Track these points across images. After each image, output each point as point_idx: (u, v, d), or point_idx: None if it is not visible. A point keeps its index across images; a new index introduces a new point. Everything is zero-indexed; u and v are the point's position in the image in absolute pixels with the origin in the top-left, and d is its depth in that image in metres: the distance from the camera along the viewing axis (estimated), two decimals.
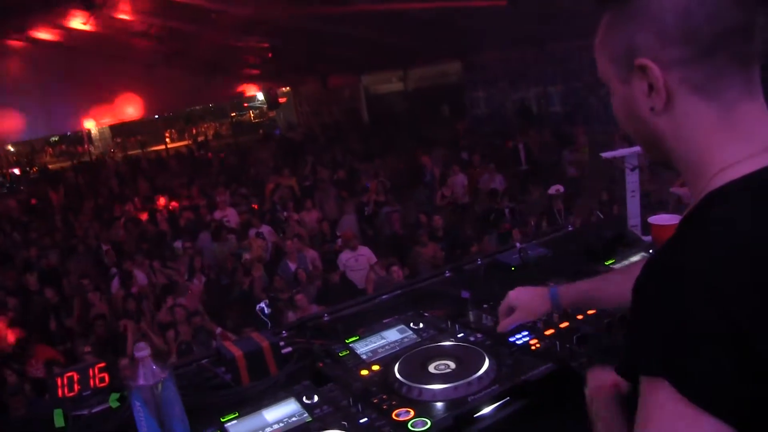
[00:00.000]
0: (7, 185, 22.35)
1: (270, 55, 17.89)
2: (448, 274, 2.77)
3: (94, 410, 1.90)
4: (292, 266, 9.29)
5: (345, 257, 9.55)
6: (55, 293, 9.51)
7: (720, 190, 0.94)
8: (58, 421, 1.91)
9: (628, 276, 1.48)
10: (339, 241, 10.22)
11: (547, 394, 1.55)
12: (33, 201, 16.83)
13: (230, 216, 11.93)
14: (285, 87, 24.41)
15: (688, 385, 0.83)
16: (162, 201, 14.53)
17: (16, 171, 24.75)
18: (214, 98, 25.07)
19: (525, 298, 1.72)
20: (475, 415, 1.47)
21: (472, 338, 1.78)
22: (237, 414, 1.54)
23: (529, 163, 12.57)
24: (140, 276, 9.36)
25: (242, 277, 9.21)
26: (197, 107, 27.45)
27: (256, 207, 12.82)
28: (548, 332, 1.76)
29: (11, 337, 8.39)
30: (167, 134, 27.64)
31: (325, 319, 2.46)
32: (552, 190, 9.35)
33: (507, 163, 12.54)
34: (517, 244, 2.67)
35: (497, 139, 14.18)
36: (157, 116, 25.36)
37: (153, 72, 19.20)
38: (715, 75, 0.94)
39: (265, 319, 3.26)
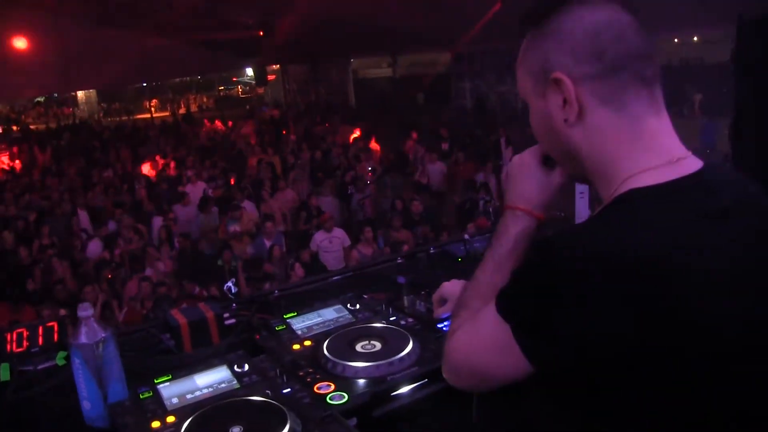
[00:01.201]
0: None
1: (261, 33, 17.84)
2: (400, 260, 2.87)
3: (40, 366, 1.98)
4: (267, 243, 9.36)
5: (319, 238, 9.63)
6: (28, 254, 9.52)
7: (624, 196, 1.04)
8: (4, 375, 1.98)
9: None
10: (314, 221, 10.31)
11: None
12: (13, 160, 16.71)
13: (197, 190, 11.83)
14: (275, 65, 24.38)
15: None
16: (141, 169, 14.51)
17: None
18: (202, 70, 24.95)
19: (456, 290, 1.82)
20: (392, 393, 1.57)
21: (403, 322, 1.88)
22: (170, 377, 1.63)
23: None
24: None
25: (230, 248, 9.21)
26: (185, 78, 27.32)
27: (232, 182, 12.83)
28: None
29: None
30: (153, 103, 27.46)
31: (275, 294, 2.56)
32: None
33: (487, 155, 12.66)
34: (465, 236, 2.77)
35: (479, 131, 14.31)
36: (144, 84, 25.21)
37: (142, 39, 19.07)
38: (621, 90, 1.05)
39: (232, 298, 3.34)
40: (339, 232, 9.60)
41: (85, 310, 1.65)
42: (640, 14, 1.08)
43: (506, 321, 1.04)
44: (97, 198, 11.89)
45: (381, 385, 1.57)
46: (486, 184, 10.87)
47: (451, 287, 1.86)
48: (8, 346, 2.04)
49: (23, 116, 28.54)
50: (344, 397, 1.51)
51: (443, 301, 1.83)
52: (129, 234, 9.83)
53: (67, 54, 17.29)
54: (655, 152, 1.06)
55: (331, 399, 1.50)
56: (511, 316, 1.04)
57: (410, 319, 1.90)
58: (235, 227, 9.92)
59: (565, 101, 1.07)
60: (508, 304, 1.05)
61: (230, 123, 20.97)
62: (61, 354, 2.02)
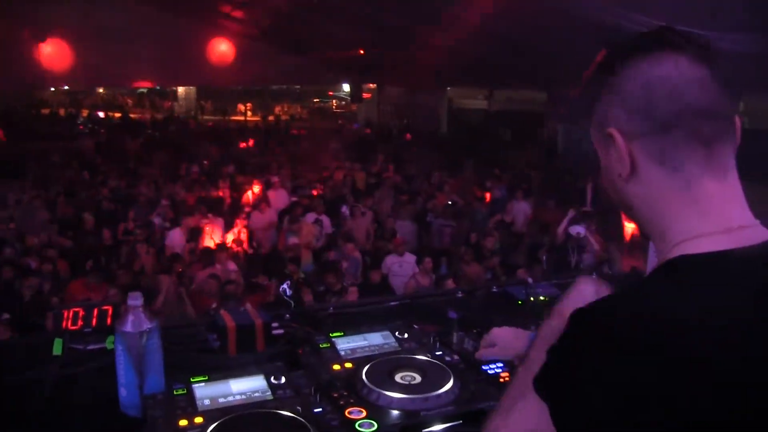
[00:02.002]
0: (90, 126, 23.26)
1: (361, 51, 18.13)
2: (460, 295, 2.82)
3: (89, 347, 2.02)
4: (344, 264, 9.40)
5: (390, 261, 9.62)
6: (110, 236, 9.89)
7: (672, 261, 0.98)
8: (57, 349, 2.04)
9: None
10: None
11: None
12: (108, 146, 17.51)
13: (279, 197, 12.05)
14: (372, 84, 24.71)
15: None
16: (228, 169, 14.91)
17: (101, 114, 25.70)
18: (300, 80, 25.52)
19: (505, 337, 1.77)
20: (423, 430, 1.52)
21: (448, 358, 1.83)
22: (206, 378, 1.63)
23: (594, 205, 12.38)
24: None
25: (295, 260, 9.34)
26: (283, 86, 27.97)
27: (315, 193, 13.00)
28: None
29: (61, 266, 8.77)
30: (248, 106, 28.23)
31: (329, 311, 2.55)
32: (573, 231, 9.29)
33: (571, 201, 12.38)
34: (529, 280, 2.69)
35: (567, 176, 14.04)
36: (242, 87, 25.95)
37: (247, 43, 19.70)
38: (673, 149, 0.99)
39: (288, 300, 3.36)
40: (410, 258, 9.56)
41: (135, 300, 1.67)
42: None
43: (544, 400, 0.98)
44: (180, 191, 12.26)
45: (413, 419, 1.52)
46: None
47: (502, 334, 1.81)
48: (64, 323, 2.10)
49: (125, 105, 29.89)
50: (373, 425, 1.47)
51: (491, 346, 1.81)
52: (211, 230, 10.09)
53: (170, 48, 18.06)
54: (710, 218, 0.99)
55: (360, 426, 1.47)
56: (549, 394, 0.97)
57: (456, 357, 1.85)
58: (294, 239, 10.03)
59: (619, 157, 1.03)
60: (544, 381, 0.98)
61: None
62: (111, 338, 2.05)
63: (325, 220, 10.90)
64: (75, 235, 10.13)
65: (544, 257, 9.36)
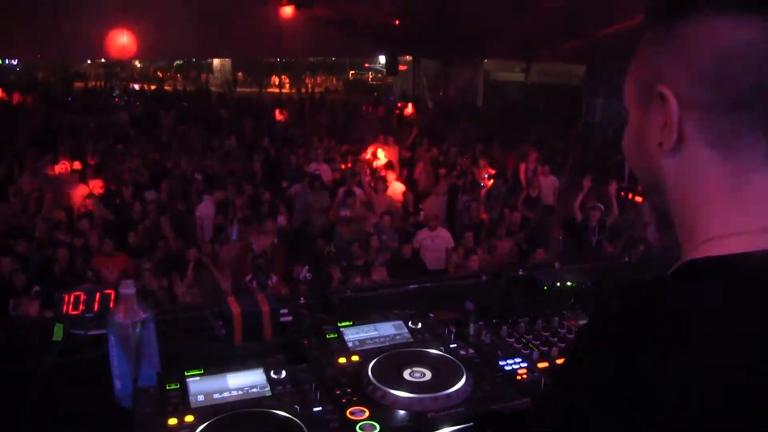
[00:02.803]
0: (125, 99, 23.42)
1: (396, 22, 17.85)
2: (484, 278, 2.69)
3: (90, 332, 1.95)
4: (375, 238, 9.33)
5: (422, 235, 9.54)
6: (141, 209, 9.93)
7: (698, 262, 0.83)
8: (57, 334, 1.97)
9: None
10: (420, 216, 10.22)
11: (513, 429, 1.46)
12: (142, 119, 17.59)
13: (323, 171, 12.10)
14: (407, 56, 24.38)
15: None
16: (263, 143, 14.87)
17: (136, 87, 25.84)
18: (335, 53, 25.31)
19: None
20: None
21: (462, 352, 1.70)
22: (202, 371, 1.53)
23: (630, 181, 12.06)
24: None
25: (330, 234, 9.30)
26: (319, 58, 27.79)
27: (348, 166, 12.90)
28: (541, 365, 1.66)
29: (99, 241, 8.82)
30: (285, 79, 28.12)
31: (347, 295, 2.44)
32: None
33: (608, 176, 12.08)
34: (556, 265, 2.55)
35: (605, 149, 13.71)
36: (279, 59, 25.85)
37: (283, 15, 19.52)
38: (735, 132, 0.82)
39: (308, 282, 3.28)
40: (443, 232, 9.46)
41: (127, 288, 1.58)
42: None
43: None
44: (214, 164, 12.25)
45: (419, 422, 1.40)
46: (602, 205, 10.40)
47: None
48: (65, 307, 2.03)
49: (161, 77, 30.00)
50: (375, 428, 1.36)
51: None
52: (243, 203, 10.07)
53: (207, 20, 18.00)
54: (756, 215, 0.82)
55: (361, 428, 1.35)
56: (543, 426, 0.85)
57: (471, 350, 1.72)
58: (346, 212, 9.97)
59: (666, 124, 0.86)
60: (539, 413, 0.87)
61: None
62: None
63: (359, 192, 10.85)
64: (108, 208, 10.20)
65: (561, 237, 9.15)
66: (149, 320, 1.60)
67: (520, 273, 2.71)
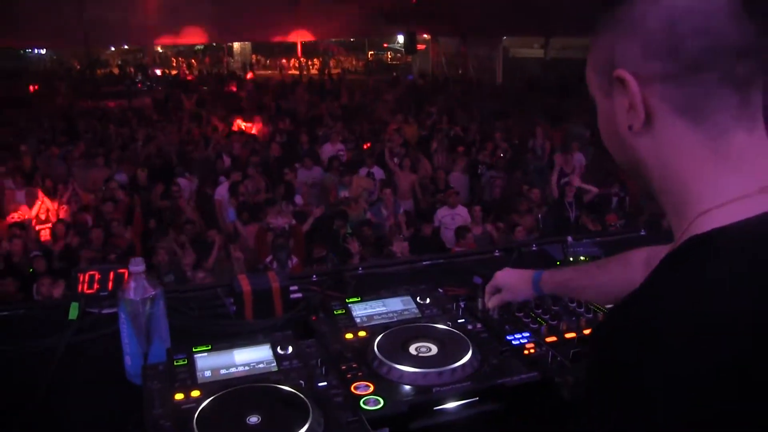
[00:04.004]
0: (148, 84, 23.55)
1: (413, 0, 17.73)
2: (497, 254, 2.68)
3: (104, 311, 1.97)
4: (385, 212, 9.34)
5: (441, 213, 9.51)
6: (162, 191, 9.99)
7: (705, 238, 0.80)
8: (72, 313, 2.01)
9: (603, 270, 1.61)
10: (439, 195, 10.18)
11: (520, 403, 1.47)
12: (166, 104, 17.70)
13: (341, 151, 12.10)
14: (426, 35, 24.22)
15: None
16: (283, 124, 14.89)
17: (158, 72, 25.95)
18: (353, 33, 25.20)
19: (510, 280, 1.75)
20: (435, 408, 1.41)
21: (470, 326, 1.70)
22: (210, 347, 1.55)
23: None
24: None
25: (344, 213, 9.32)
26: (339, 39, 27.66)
27: (367, 146, 12.89)
28: (549, 339, 1.66)
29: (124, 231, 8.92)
30: (304, 61, 28.04)
31: (359, 272, 2.45)
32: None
33: None
34: (569, 239, 2.53)
35: None
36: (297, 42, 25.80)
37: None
38: (701, 96, 0.81)
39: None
40: (462, 210, 9.41)
41: (137, 265, 1.60)
42: None
43: None
44: (234, 146, 12.29)
45: (424, 396, 1.41)
46: (622, 180, 10.29)
47: (506, 277, 1.77)
48: (80, 286, 2.06)
49: (182, 62, 30.08)
50: (380, 402, 1.37)
51: (497, 291, 1.77)
52: (258, 184, 10.09)
53: (227, 3, 18.01)
54: (746, 176, 0.81)
55: (365, 403, 1.36)
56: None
57: (479, 325, 1.72)
58: (344, 193, 9.98)
59: (630, 105, 0.86)
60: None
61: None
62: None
63: (377, 172, 10.81)
64: (131, 192, 10.30)
65: (540, 215, 9.09)
66: (159, 297, 1.62)
67: (534, 248, 2.71)
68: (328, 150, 12.09)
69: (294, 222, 8.97)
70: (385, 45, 30.86)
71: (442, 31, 23.07)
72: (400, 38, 25.57)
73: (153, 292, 1.61)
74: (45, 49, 28.04)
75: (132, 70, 26.48)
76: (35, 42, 23.02)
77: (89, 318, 1.97)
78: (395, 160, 11.20)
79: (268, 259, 7.96)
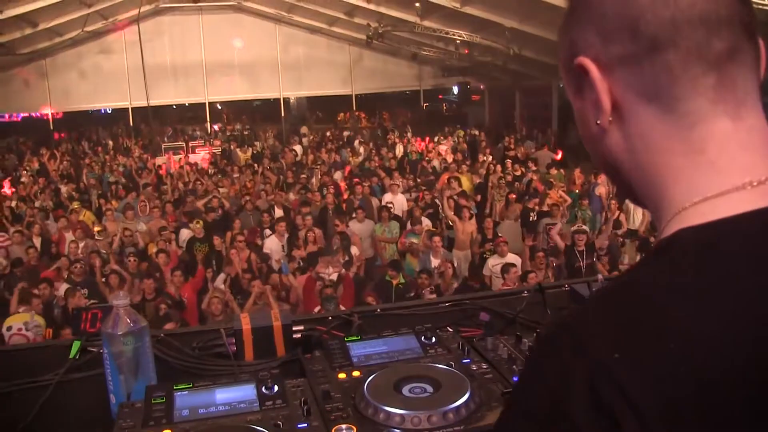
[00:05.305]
0: (206, 138, 24.24)
1: (467, 51, 17.87)
2: (525, 293, 2.54)
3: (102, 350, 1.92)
4: (435, 262, 9.23)
5: (492, 262, 9.36)
6: (221, 241, 10.12)
7: (668, 242, 0.70)
8: (73, 351, 1.96)
9: None
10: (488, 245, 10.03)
11: None
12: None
13: (398, 202, 12.15)
14: (480, 85, 24.33)
15: None
16: (336, 176, 15.05)
17: (216, 127, 26.65)
18: (410, 84, 25.57)
19: None
20: None
21: (474, 367, 1.58)
22: (191, 385, 1.47)
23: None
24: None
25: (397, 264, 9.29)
26: (394, 90, 27.92)
27: (420, 197, 12.88)
28: None
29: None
30: (359, 114, 28.37)
31: (377, 312, 2.35)
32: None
33: None
34: (599, 277, 2.38)
35: None
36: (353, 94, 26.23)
37: (357, 53, 19.94)
38: (665, 77, 0.69)
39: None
40: (513, 259, 9.23)
41: (120, 299, 1.54)
42: None
43: None
44: (290, 198, 12.46)
45: None
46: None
47: None
48: (82, 325, 2.02)
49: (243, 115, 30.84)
50: None
51: None
52: (311, 236, 10.12)
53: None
54: (724, 171, 0.69)
55: None
56: None
57: (484, 366, 1.59)
58: (413, 240, 9.92)
59: (596, 99, 0.75)
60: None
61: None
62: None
63: (425, 223, 10.80)
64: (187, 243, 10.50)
65: (554, 264, 8.84)
66: (144, 333, 1.56)
67: (565, 287, 2.56)
68: (387, 199, 12.19)
69: (344, 271, 8.94)
70: (441, 96, 31.00)
71: (495, 80, 23.13)
72: (455, 89, 25.77)
73: (136, 327, 1.54)
74: None
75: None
76: None
77: (87, 356, 1.92)
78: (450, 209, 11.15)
79: (317, 309, 7.91)
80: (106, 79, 24.16)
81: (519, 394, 0.74)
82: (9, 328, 6.35)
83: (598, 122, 0.76)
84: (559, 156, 16.96)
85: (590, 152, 0.84)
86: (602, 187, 12.02)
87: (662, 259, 0.68)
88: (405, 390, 1.45)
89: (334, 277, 8.57)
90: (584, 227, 9.51)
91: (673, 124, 0.71)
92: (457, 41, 18.07)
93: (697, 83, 0.69)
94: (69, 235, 10.49)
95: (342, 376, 1.55)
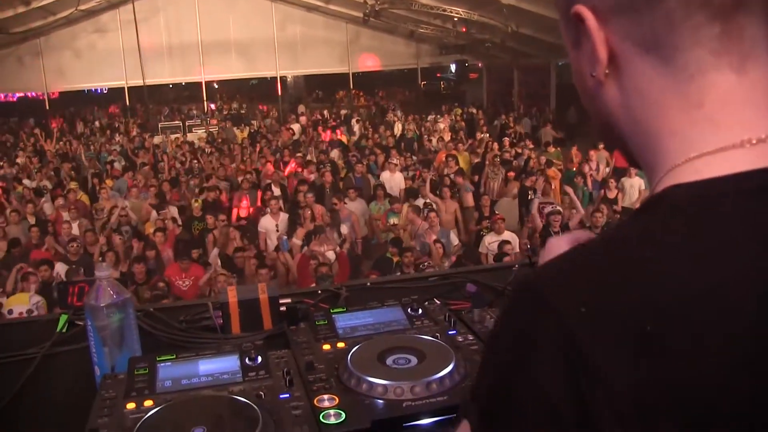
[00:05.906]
0: (202, 117, 24.14)
1: (464, 29, 17.75)
2: (515, 267, 2.53)
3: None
4: (430, 239, 9.23)
5: (489, 240, 9.37)
6: (213, 221, 10.13)
7: (656, 199, 0.67)
8: (60, 325, 1.95)
9: None
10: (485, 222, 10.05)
11: None
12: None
13: (396, 180, 12.16)
14: (478, 63, 24.21)
15: None
16: (333, 154, 15.02)
17: (213, 106, 26.53)
18: (407, 62, 25.41)
19: (560, 246, 1.52)
20: (405, 424, 1.27)
21: (460, 338, 1.57)
22: (174, 356, 1.46)
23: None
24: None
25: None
26: (390, 69, 27.79)
27: (419, 174, 12.89)
28: None
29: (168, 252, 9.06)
30: (355, 92, 28.25)
31: (368, 285, 2.34)
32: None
33: None
34: None
35: None
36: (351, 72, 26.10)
37: (355, 29, 19.80)
38: (665, 27, 0.65)
39: None
40: (509, 236, 9.24)
41: (103, 270, 1.53)
42: None
43: (465, 417, 0.70)
44: (286, 178, 12.44)
45: (393, 411, 1.28)
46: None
47: (557, 244, 1.54)
48: (69, 298, 2.01)
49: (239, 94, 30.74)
50: (341, 416, 1.24)
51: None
52: (305, 214, 10.12)
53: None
54: (725, 126, 0.65)
55: (324, 417, 1.24)
56: (471, 407, 0.68)
57: (470, 337, 1.58)
58: (394, 220, 9.93)
59: (592, 49, 0.71)
60: (472, 392, 0.70)
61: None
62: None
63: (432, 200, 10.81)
64: (183, 221, 10.49)
65: (528, 245, 8.84)
66: (128, 305, 1.54)
67: None
68: (386, 178, 12.20)
69: (339, 249, 8.95)
70: (439, 75, 30.85)
71: (494, 58, 23.01)
72: (453, 67, 25.64)
73: (119, 299, 1.53)
74: None
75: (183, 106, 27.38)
76: None
77: (74, 329, 1.91)
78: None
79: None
80: (101, 58, 24.06)
81: (488, 350, 0.72)
82: (10, 311, 6.32)
83: (594, 74, 0.72)
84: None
85: (587, 109, 0.80)
86: (593, 163, 12.03)
87: (650, 216, 0.65)
88: (389, 361, 1.44)
89: (331, 255, 8.58)
90: (558, 207, 9.45)
91: (670, 77, 0.67)
92: (455, 18, 18.00)
93: (699, 32, 0.65)
94: (66, 215, 10.47)
95: (326, 347, 1.54)
